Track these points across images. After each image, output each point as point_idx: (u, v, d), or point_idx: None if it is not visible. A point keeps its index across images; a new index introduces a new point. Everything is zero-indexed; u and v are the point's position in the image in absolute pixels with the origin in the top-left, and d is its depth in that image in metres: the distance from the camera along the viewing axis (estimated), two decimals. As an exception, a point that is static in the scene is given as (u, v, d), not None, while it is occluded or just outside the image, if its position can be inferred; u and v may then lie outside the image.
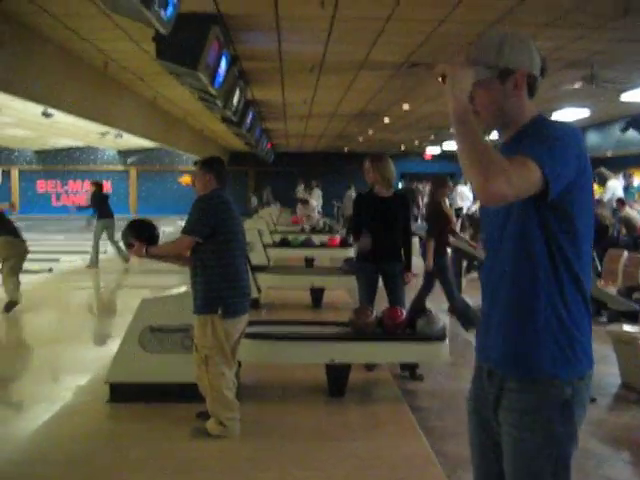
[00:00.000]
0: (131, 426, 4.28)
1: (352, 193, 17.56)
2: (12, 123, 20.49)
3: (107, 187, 32.21)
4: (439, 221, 7.10)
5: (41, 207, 31.37)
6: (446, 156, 29.10)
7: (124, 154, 31.56)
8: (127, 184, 31.32)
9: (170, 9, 5.13)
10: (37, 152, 31.37)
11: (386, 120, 18.40)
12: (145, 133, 15.37)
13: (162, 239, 4.26)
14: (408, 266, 5.62)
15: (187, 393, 4.43)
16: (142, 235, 4.12)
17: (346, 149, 29.57)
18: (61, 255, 13.53)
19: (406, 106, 15.31)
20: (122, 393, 4.51)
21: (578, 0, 6.54)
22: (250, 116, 13.80)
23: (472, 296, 9.11)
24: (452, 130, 1.76)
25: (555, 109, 14.34)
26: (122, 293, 10.41)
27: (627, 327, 5.42)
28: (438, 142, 24.09)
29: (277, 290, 8.47)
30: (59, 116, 14.68)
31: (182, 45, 6.96)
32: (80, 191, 32.40)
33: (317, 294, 7.95)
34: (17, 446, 3.90)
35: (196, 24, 6.93)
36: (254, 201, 26.06)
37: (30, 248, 15.18)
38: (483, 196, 1.70)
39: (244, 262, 4.13)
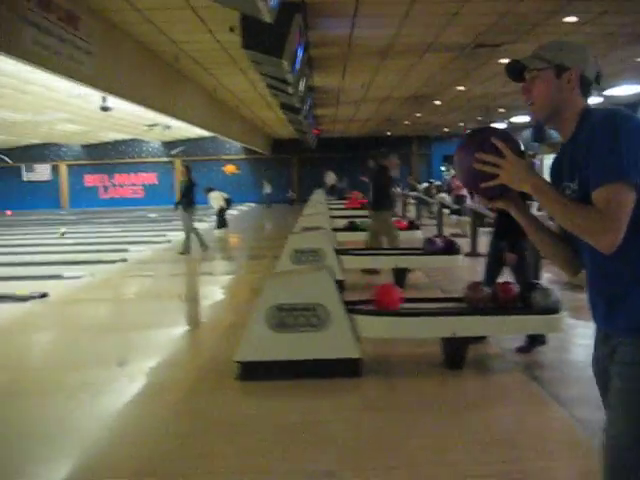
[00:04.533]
0: (265, 402, 4.41)
1: None
2: (66, 119, 20.89)
3: (153, 179, 32.80)
4: None
5: (89, 201, 31.97)
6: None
7: (168, 145, 31.97)
8: (172, 175, 31.72)
9: (277, -2, 5.28)
10: (84, 146, 31.92)
11: (437, 102, 18.38)
12: (203, 123, 15.59)
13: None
14: None
15: (315, 370, 4.63)
16: None
17: (389, 133, 29.56)
18: (128, 245, 13.87)
19: (461, 88, 15.32)
20: (250, 371, 4.68)
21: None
22: (308, 102, 13.94)
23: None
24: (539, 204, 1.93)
25: (616, 85, 14.24)
26: (204, 280, 10.62)
27: None
28: (486, 123, 23.94)
29: (352, 272, 8.51)
30: (114, 110, 15.00)
31: (268, 34, 7.09)
32: (126, 184, 32.97)
33: (400, 274, 8.08)
34: (161, 424, 4.07)
35: (281, 12, 7.04)
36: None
37: (97, 240, 15.58)
38: (599, 249, 1.83)
39: None
